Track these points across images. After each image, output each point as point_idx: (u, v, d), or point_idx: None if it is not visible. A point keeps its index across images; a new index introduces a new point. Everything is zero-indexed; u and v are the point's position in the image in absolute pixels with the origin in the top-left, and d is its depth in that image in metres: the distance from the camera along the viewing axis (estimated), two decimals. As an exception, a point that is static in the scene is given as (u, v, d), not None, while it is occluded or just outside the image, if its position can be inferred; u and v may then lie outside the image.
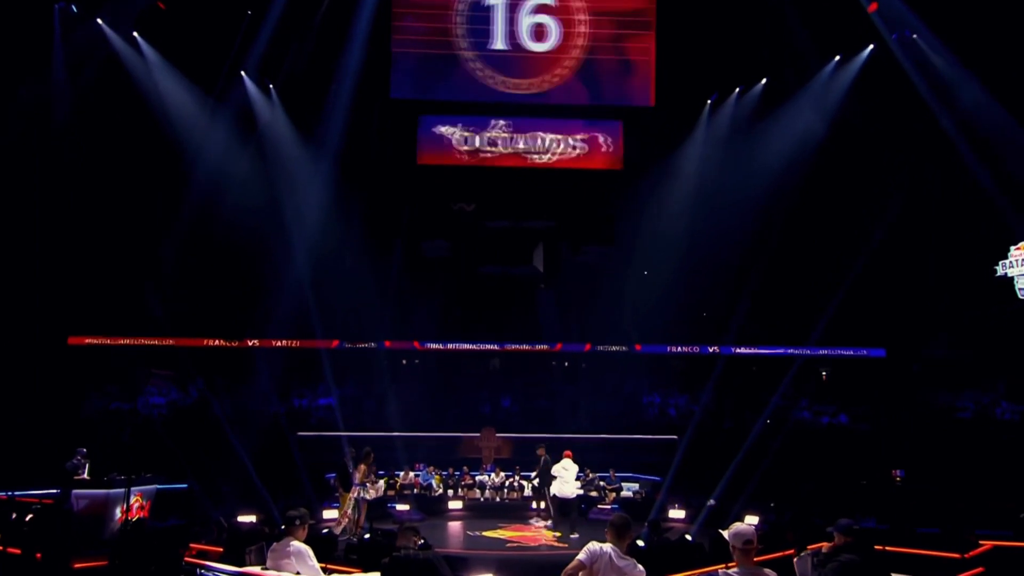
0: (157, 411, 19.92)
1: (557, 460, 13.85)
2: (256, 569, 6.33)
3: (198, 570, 6.25)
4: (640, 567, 5.25)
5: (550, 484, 13.33)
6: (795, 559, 6.31)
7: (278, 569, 6.23)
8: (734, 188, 19.67)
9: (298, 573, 6.18)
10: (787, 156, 19.19)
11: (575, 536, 12.48)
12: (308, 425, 20.37)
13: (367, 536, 10.00)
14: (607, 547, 5.28)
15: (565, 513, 12.88)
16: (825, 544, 8.91)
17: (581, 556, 5.27)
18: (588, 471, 17.26)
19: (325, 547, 9.70)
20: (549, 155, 16.64)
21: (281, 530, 6.42)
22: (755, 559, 4.93)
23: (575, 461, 13.61)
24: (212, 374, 21.62)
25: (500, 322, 23.91)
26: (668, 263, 21.01)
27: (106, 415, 18.99)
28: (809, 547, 8.61)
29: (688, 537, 9.94)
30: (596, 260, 19.64)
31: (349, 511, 11.81)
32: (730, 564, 5.01)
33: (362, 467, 11.81)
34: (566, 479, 13.19)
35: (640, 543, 9.51)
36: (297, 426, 19.81)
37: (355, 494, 11.75)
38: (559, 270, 22.45)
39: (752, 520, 12.31)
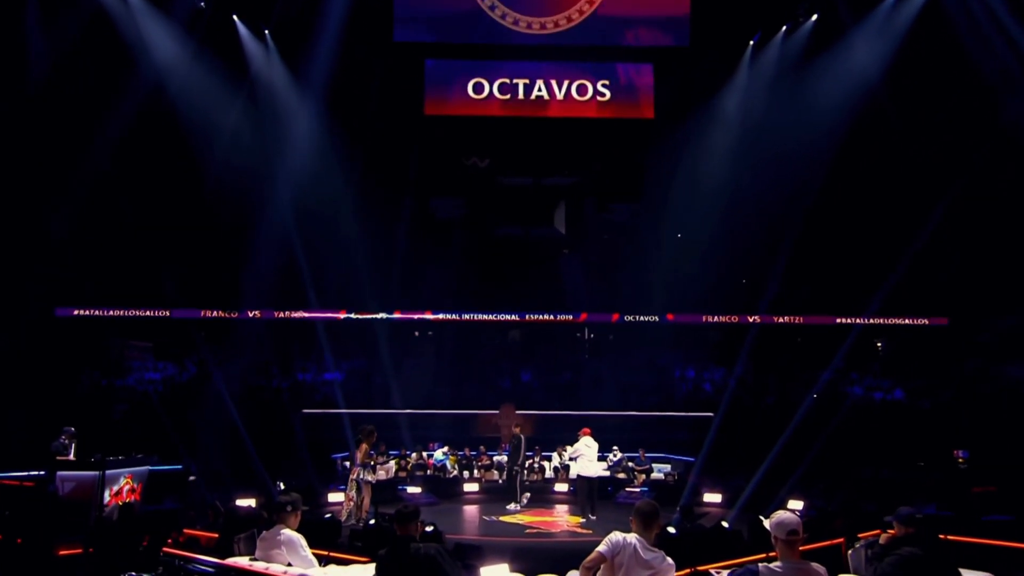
0: (153, 387, 20.01)
1: (570, 440, 13.71)
2: (242, 560, 6.16)
3: (176, 561, 6.09)
4: (669, 560, 4.96)
5: (523, 467, 13.50)
6: (849, 552, 6.00)
7: (267, 560, 6.05)
8: (779, 139, 19.03)
9: (289, 564, 6.00)
10: (839, 103, 18.44)
11: (593, 518, 12.45)
12: (313, 402, 20.46)
13: (372, 521, 9.85)
14: (632, 538, 4.99)
15: (588, 494, 12.85)
16: (879, 532, 8.68)
17: (601, 548, 4.99)
18: (616, 451, 17.20)
19: (328, 533, 9.57)
20: (571, 103, 16.05)
21: (272, 516, 6.23)
22: (800, 550, 4.62)
23: (595, 439, 13.42)
24: (210, 348, 21.78)
25: (520, 290, 23.87)
26: (704, 223, 20.66)
27: (97, 392, 19.06)
28: (860, 535, 8.43)
29: (725, 524, 9.63)
30: (624, 220, 19.21)
31: (352, 494, 11.71)
32: (771, 554, 4.71)
33: (363, 446, 11.67)
34: (590, 457, 13.13)
35: (671, 530, 9.24)
36: (301, 403, 19.92)
37: (356, 475, 11.64)
38: (584, 232, 22.17)
39: (797, 505, 12.07)
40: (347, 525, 11.07)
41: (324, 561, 8.63)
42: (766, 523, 4.77)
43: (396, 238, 22.57)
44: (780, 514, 4.76)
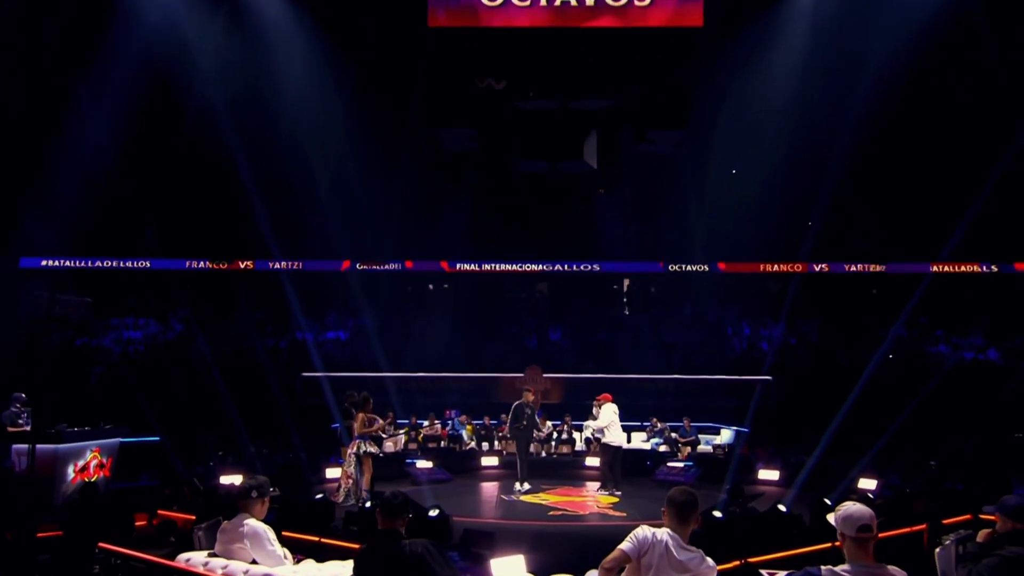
0: (133, 348, 20.08)
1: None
2: (198, 557, 5.78)
3: (113, 560, 5.73)
4: (710, 561, 4.46)
5: (526, 440, 13.23)
6: (937, 550, 5.43)
7: (228, 555, 5.66)
8: (856, 56, 18.26)
9: (254, 561, 5.61)
10: (933, 9, 17.46)
11: (619, 493, 12.35)
12: (313, 363, 20.11)
13: (368, 504, 9.56)
14: (663, 533, 4.49)
15: (613, 465, 12.74)
16: (969, 517, 8.14)
17: (625, 545, 4.50)
18: (655, 420, 16.98)
19: (319, 516, 9.39)
20: (603, 9, 15.20)
21: (236, 503, 5.82)
22: (875, 543, 4.11)
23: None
24: (197, 304, 21.77)
25: (549, 237, 23.81)
26: (763, 156, 20.18)
27: (69, 352, 19.16)
28: (945, 521, 7.91)
29: (781, 507, 9.19)
30: (667, 152, 18.50)
31: (351, 470, 11.47)
32: (837, 544, 4.21)
33: (360, 416, 11.39)
34: (617, 422, 13.04)
35: (716, 514, 8.86)
36: (300, 365, 19.87)
37: (356, 448, 11.39)
38: (620, 167, 21.58)
39: (869, 485, 11.91)
40: (345, 506, 10.85)
41: (312, 549, 8.42)
42: (831, 518, 4.25)
43: (404, 177, 22.31)
44: (848, 506, 4.23)
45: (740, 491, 9.46)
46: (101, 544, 6.04)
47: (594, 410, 13.42)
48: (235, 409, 15.58)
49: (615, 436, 12.86)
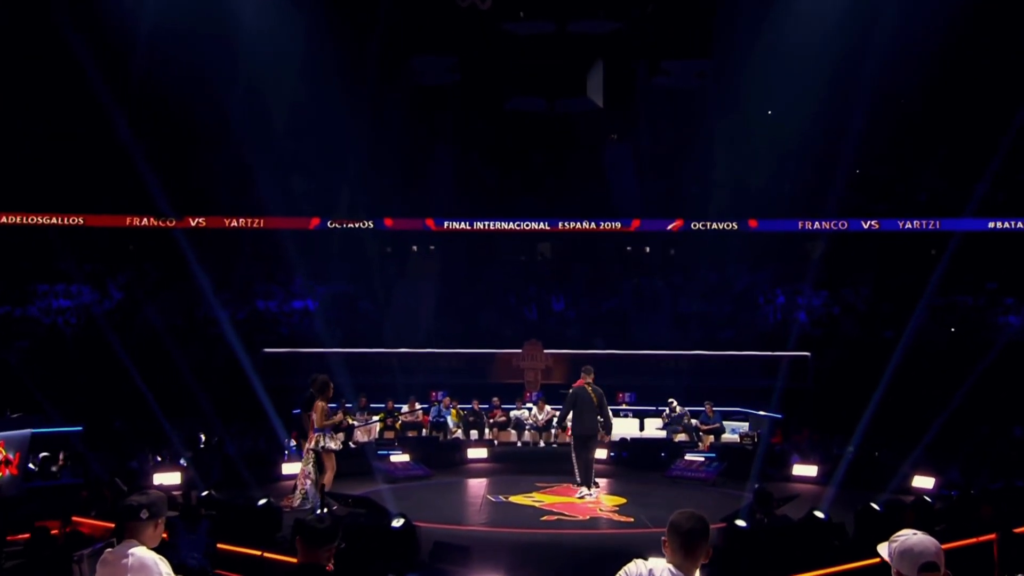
0: (63, 319, 19.77)
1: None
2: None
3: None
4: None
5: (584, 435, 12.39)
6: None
7: (108, 593, 5.05)
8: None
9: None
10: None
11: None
12: (277, 337, 20.31)
13: (320, 510, 9.08)
14: (662, 569, 3.88)
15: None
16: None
17: (615, 584, 3.91)
18: (673, 403, 16.74)
19: (264, 525, 9.04)
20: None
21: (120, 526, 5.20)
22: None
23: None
24: (141, 267, 21.63)
25: (552, 190, 23.82)
26: (801, 94, 19.82)
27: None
28: (1017, 530, 7.43)
29: (819, 514, 8.71)
30: (689, 88, 18.13)
31: (310, 468, 10.99)
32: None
33: (319, 404, 10.85)
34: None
35: (740, 523, 8.41)
36: (261, 339, 19.72)
37: (312, 444, 10.88)
38: (633, 106, 21.25)
39: (926, 482, 11.62)
40: (300, 510, 10.35)
41: (253, 566, 7.95)
42: (883, 551, 3.66)
43: (380, 119, 21.97)
44: (906, 537, 3.67)
45: (768, 496, 8.92)
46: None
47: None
48: (183, 392, 15.42)
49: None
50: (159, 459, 12.80)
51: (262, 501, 9.33)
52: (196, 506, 9.06)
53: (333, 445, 11.05)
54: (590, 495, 11.66)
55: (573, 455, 11.93)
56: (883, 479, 11.85)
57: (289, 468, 12.95)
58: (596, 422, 11.80)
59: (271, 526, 9.05)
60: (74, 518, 9.01)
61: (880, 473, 12.34)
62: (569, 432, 12.37)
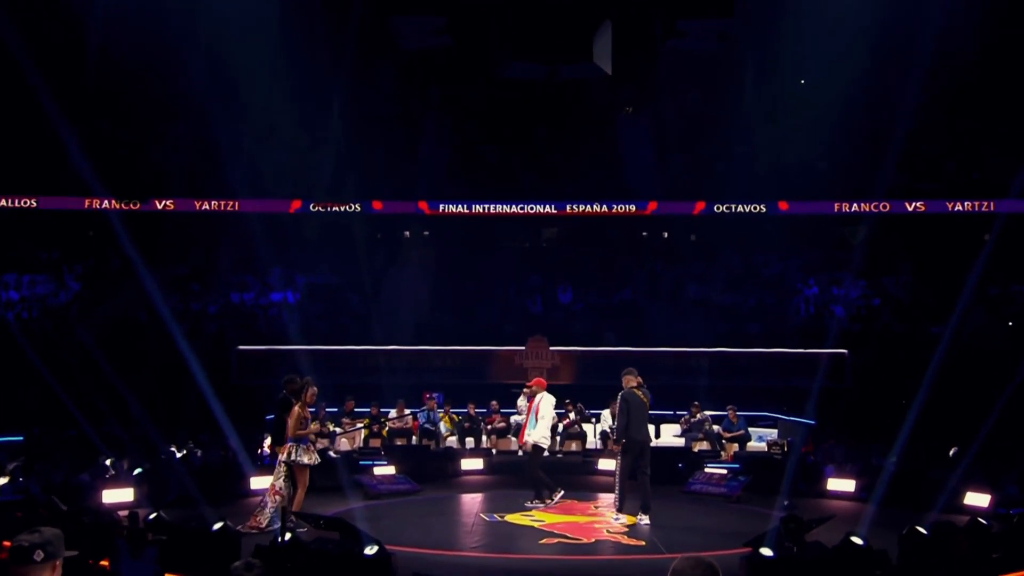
0: (13, 313, 19.60)
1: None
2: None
3: None
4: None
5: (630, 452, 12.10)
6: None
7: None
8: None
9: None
10: None
11: (546, 503, 11.88)
12: (253, 333, 20.31)
13: (280, 536, 8.66)
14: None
15: (537, 471, 12.26)
16: None
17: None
18: (696, 407, 16.56)
19: (219, 553, 8.56)
20: None
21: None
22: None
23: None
24: (101, 256, 21.47)
25: (559, 168, 23.80)
26: (839, 59, 19.54)
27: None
28: None
29: (857, 539, 8.28)
30: (710, 51, 17.88)
31: (280, 484, 10.61)
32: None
33: (295, 410, 10.47)
34: (549, 417, 12.55)
35: (766, 552, 8.06)
36: (235, 335, 19.85)
37: (287, 455, 10.50)
38: (649, 74, 21.07)
39: (981, 500, 11.36)
40: (269, 531, 10.01)
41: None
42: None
43: (366, 89, 21.93)
44: None
45: (796, 523, 8.55)
46: None
47: (520, 400, 13.18)
48: (145, 395, 15.38)
49: (542, 432, 12.39)
50: (111, 473, 12.47)
51: (217, 524, 8.92)
52: (143, 529, 8.79)
53: (307, 459, 10.62)
54: (645, 522, 11.19)
55: (617, 473, 11.54)
56: (930, 495, 11.51)
57: (259, 482, 12.61)
58: (650, 431, 11.68)
59: (227, 553, 8.54)
60: (7, 543, 8.72)
61: (927, 488, 12.02)
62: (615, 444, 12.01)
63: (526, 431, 12.62)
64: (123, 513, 10.02)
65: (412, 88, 22.64)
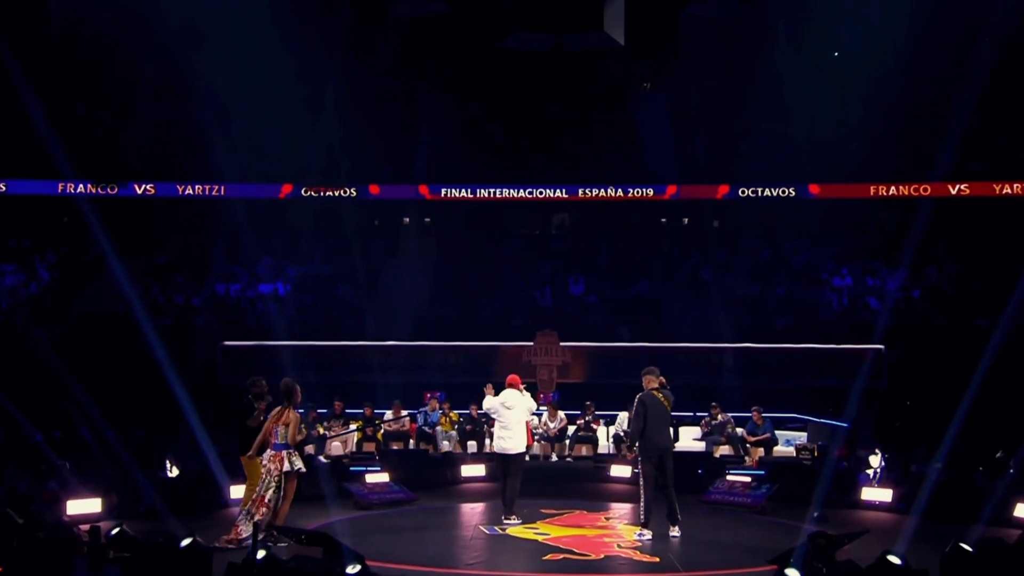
0: None
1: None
2: None
3: None
4: None
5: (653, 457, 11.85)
6: None
7: None
8: None
9: None
10: None
11: (513, 521, 11.50)
12: (241, 327, 20.27)
13: (255, 555, 8.42)
14: None
15: (508, 481, 11.80)
16: None
17: None
18: (716, 408, 16.38)
19: (189, 571, 8.41)
20: None
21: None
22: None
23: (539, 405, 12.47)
24: (76, 244, 21.48)
25: (571, 150, 23.76)
26: (875, 29, 19.55)
27: None
28: None
29: (894, 558, 7.97)
30: (733, 19, 17.76)
31: (269, 495, 10.38)
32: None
33: (290, 413, 10.30)
34: (508, 422, 12.01)
35: (792, 573, 7.76)
36: (221, 329, 19.76)
37: (278, 464, 10.29)
38: (667, 46, 21.12)
39: None
40: (246, 547, 9.76)
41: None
42: None
43: (361, 64, 22.00)
44: None
45: (827, 537, 8.39)
46: None
47: (486, 401, 12.65)
48: (124, 396, 15.73)
49: (508, 438, 11.90)
50: (76, 481, 12.16)
51: (186, 540, 8.66)
52: (104, 545, 8.56)
53: (300, 464, 10.49)
54: (675, 535, 10.96)
55: (641, 482, 11.25)
56: (976, 506, 11.32)
57: (240, 491, 12.41)
58: (671, 436, 11.38)
59: (197, 572, 8.41)
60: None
61: (972, 498, 11.85)
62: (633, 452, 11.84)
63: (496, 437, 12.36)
64: (84, 527, 9.80)
65: (411, 62, 22.62)
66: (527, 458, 13.00)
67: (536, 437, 16.57)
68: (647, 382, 11.31)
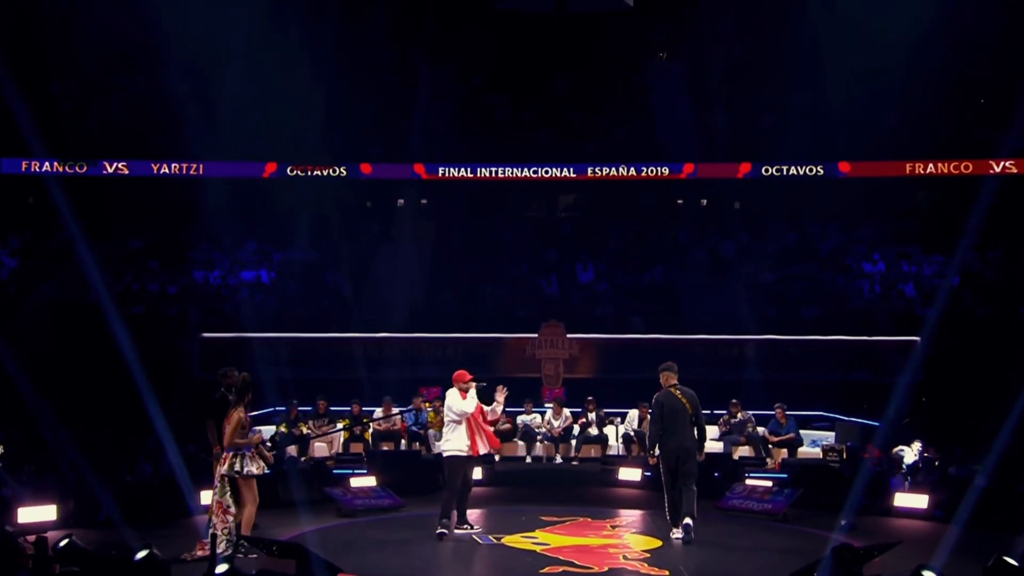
0: None
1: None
2: None
3: None
4: None
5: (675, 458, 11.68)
6: None
7: None
8: None
9: None
10: None
11: (469, 531, 11.50)
12: (221, 317, 20.30)
13: (215, 570, 8.24)
14: None
15: (454, 487, 11.60)
16: None
17: None
18: (736, 406, 16.30)
19: None
20: None
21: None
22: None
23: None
24: (42, 227, 21.55)
25: (579, 125, 23.84)
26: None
27: None
28: None
29: (929, 574, 7.76)
30: None
31: (229, 501, 10.20)
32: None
33: (235, 414, 10.05)
34: (447, 422, 11.89)
35: None
36: (199, 320, 19.86)
37: (224, 467, 10.07)
38: (676, 4, 21.27)
39: None
40: (220, 557, 9.57)
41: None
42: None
43: (349, 33, 21.81)
44: None
45: (852, 551, 8.28)
46: None
47: (449, 398, 12.10)
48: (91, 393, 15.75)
49: (454, 441, 11.72)
50: (35, 486, 12.10)
51: (142, 553, 8.46)
52: (51, 559, 8.39)
53: (255, 469, 10.21)
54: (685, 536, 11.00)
55: (663, 481, 11.32)
56: (1021, 515, 11.15)
57: (209, 497, 12.29)
58: (692, 436, 11.20)
59: (157, 579, 8.36)
60: None
61: (1017, 505, 11.73)
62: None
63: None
64: (31, 538, 9.61)
65: (406, 29, 22.62)
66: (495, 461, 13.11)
67: (539, 437, 16.59)
68: (665, 379, 11.28)
